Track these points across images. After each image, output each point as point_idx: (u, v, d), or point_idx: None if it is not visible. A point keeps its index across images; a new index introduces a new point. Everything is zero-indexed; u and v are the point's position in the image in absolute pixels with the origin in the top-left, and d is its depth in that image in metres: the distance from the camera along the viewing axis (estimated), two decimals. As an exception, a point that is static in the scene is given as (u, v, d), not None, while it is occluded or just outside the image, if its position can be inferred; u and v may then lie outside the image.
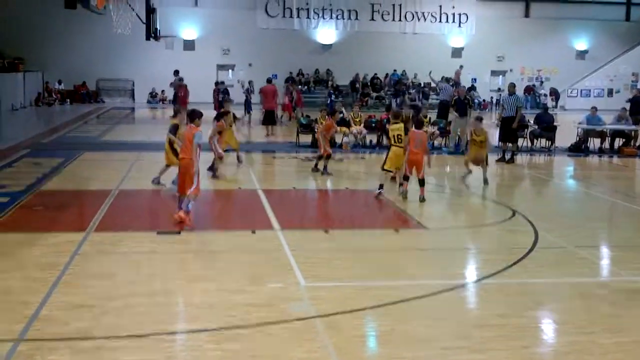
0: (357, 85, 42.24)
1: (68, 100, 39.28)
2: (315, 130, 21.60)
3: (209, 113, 31.13)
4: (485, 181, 14.71)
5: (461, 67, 29.85)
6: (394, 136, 13.40)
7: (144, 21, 29.78)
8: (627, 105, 25.17)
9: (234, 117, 16.89)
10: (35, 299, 7.20)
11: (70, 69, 39.50)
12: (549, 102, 42.17)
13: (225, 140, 16.00)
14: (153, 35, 30.75)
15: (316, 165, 16.03)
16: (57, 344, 6.17)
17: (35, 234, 9.94)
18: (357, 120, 21.91)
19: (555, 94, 44.47)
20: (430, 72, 28.27)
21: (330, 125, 16.14)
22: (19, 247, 9.19)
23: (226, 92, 30.01)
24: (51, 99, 38.19)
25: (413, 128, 13.53)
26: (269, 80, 27.89)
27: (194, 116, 10.80)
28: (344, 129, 21.27)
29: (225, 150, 15.76)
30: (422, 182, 12.90)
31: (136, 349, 6.11)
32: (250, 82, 32.43)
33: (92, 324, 6.61)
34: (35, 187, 13.70)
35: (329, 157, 15.83)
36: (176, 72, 29.53)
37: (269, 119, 25.60)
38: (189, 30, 41.75)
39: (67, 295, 7.39)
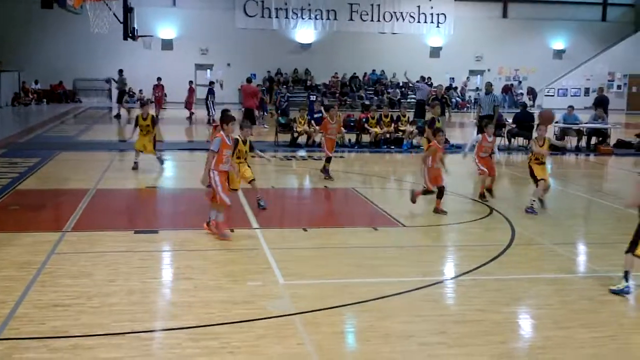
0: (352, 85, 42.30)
1: (45, 100, 38.94)
2: (295, 129, 21.65)
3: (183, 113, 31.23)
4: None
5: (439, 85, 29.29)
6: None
7: (122, 21, 29.55)
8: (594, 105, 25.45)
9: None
10: (11, 298, 7.14)
11: (47, 69, 39.18)
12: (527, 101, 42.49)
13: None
14: (131, 35, 30.46)
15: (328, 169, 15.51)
16: (33, 343, 6.12)
17: (11, 233, 9.86)
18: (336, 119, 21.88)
19: (532, 93, 44.83)
20: (405, 72, 28.38)
21: (326, 122, 15.68)
22: (-6, 247, 9.12)
23: (212, 92, 30.14)
24: (28, 99, 37.82)
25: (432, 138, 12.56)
26: (248, 80, 27.85)
27: (223, 120, 10.07)
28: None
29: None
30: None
31: (113, 347, 6.07)
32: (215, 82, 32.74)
33: (68, 323, 6.56)
34: (11, 187, 13.58)
35: (328, 159, 15.45)
36: (159, 79, 31.26)
37: (248, 118, 25.48)
38: (167, 30, 41.57)
39: (44, 294, 7.34)
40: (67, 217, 10.92)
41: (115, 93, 33.66)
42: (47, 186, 14.16)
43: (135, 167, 15.97)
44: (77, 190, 13.29)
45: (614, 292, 7.74)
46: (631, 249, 7.78)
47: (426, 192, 11.99)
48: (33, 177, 14.95)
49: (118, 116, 32.01)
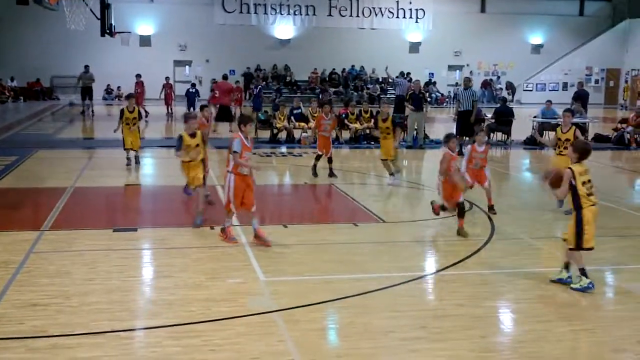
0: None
1: (22, 97, 38.55)
2: (275, 125, 21.61)
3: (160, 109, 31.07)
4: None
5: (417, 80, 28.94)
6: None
7: (99, 17, 29.33)
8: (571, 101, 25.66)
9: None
10: (-11, 298, 7.08)
11: (24, 66, 38.80)
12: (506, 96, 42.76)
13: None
14: (108, 31, 30.28)
15: (330, 170, 15.12)
16: (11, 343, 6.06)
17: (-12, 232, 9.76)
18: (316, 115, 21.89)
19: (511, 87, 45.11)
20: (386, 68, 28.41)
21: (319, 119, 15.42)
22: (-29, 247, 9.02)
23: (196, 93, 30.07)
24: (4, 96, 37.42)
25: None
26: (224, 77, 27.67)
27: (242, 121, 9.67)
28: (303, 124, 21.32)
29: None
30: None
31: (93, 346, 6.03)
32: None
33: (47, 322, 6.51)
34: (-12, 186, 13.44)
35: (318, 157, 15.17)
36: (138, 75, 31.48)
37: (224, 115, 25.29)
38: (145, 26, 41.32)
39: (22, 293, 7.27)
40: (46, 216, 10.83)
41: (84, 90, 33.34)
42: (25, 184, 14.03)
43: (129, 164, 15.99)
44: (55, 189, 13.18)
45: (577, 290, 7.72)
46: (578, 245, 7.77)
47: (444, 207, 10.56)
48: (10, 176, 14.80)
49: (88, 112, 31.74)
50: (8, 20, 37.04)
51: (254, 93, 31.08)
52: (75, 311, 6.84)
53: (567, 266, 7.93)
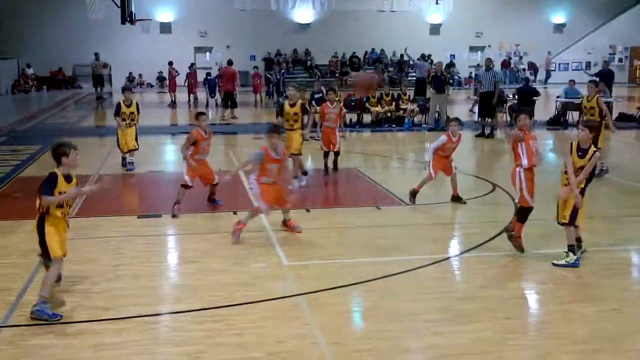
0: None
1: (45, 86, 38.86)
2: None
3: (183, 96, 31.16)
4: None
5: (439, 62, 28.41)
6: None
7: (119, 5, 29.46)
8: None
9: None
10: (16, 285, 7.18)
11: (46, 55, 39.04)
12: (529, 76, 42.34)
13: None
14: (129, 19, 30.43)
15: (335, 163, 13.71)
16: (39, 329, 6.14)
17: (15, 221, 9.87)
18: (337, 99, 21.84)
19: (533, 67, 44.64)
20: (405, 49, 28.21)
21: (323, 108, 13.66)
22: (-2, 235, 9.14)
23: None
24: (27, 85, 37.75)
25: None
26: (229, 62, 27.51)
27: (270, 133, 9.10)
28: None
29: None
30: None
31: (120, 331, 6.10)
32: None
33: (74, 308, 6.59)
34: (13, 175, 13.59)
35: (326, 154, 13.58)
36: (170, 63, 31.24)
37: (228, 101, 25.26)
38: (165, 13, 41.36)
39: (49, 280, 7.35)
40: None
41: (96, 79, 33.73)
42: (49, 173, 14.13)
43: (128, 168, 14.30)
44: (79, 177, 13.21)
45: (561, 266, 7.76)
46: (571, 221, 7.81)
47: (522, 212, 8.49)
48: (35, 165, 14.94)
49: (99, 98, 32.18)
50: (31, 11, 37.27)
51: (276, 78, 31.11)
52: (101, 297, 6.92)
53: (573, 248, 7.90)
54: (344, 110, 15.51)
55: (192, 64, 32.42)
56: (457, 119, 11.41)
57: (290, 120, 12.41)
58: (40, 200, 6.47)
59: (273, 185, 9.06)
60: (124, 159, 14.49)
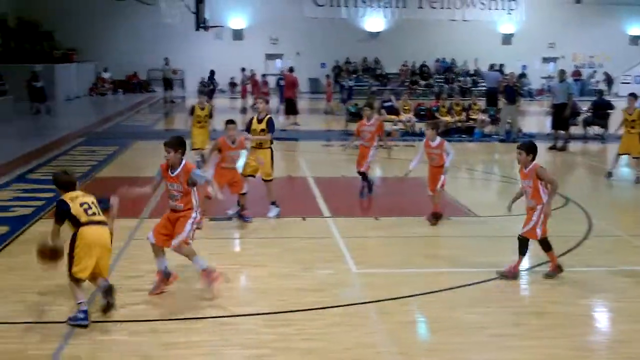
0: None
1: (120, 90, 39.91)
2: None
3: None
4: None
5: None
6: None
7: (194, 11, 30.05)
8: None
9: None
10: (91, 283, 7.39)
11: (122, 60, 40.04)
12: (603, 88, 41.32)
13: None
14: (202, 25, 31.00)
15: (363, 188, 12.46)
16: (114, 326, 6.34)
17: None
18: (407, 108, 21.88)
19: (609, 79, 43.58)
20: (475, 60, 27.89)
21: (360, 125, 12.49)
22: (76, 233, 9.43)
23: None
24: (104, 88, 38.84)
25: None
26: (290, 69, 27.64)
27: (227, 123, 9.89)
28: (393, 116, 21.25)
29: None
30: None
31: (191, 332, 6.25)
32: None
33: (147, 307, 6.78)
34: (90, 174, 14.02)
35: (362, 175, 12.32)
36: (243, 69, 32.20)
37: (289, 108, 25.39)
38: (237, 20, 41.96)
39: (124, 279, 7.58)
40: (144, 204, 11.18)
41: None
42: (124, 174, 14.53)
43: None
44: (153, 178, 13.54)
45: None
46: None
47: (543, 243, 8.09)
48: (111, 165, 15.40)
49: (168, 101, 33.32)
50: (107, 15, 38.31)
51: (346, 86, 31.22)
52: (173, 297, 7.10)
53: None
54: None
55: (250, 70, 33.07)
56: (428, 123, 11.29)
57: (258, 135, 10.66)
58: None
59: (230, 170, 10.04)
60: (202, 155, 14.51)
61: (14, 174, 13.78)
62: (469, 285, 7.61)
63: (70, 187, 6.73)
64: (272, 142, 10.77)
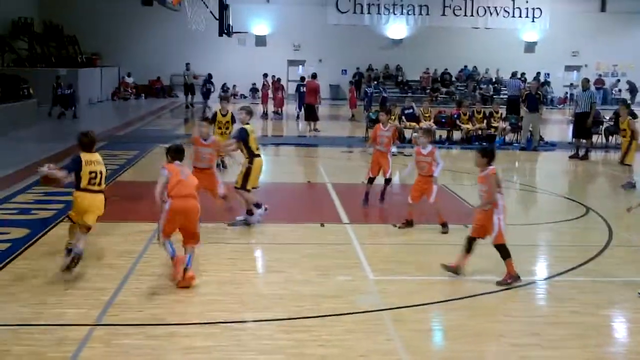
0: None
1: (143, 95, 40.18)
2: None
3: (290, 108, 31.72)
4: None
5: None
6: None
7: (217, 17, 30.21)
8: None
9: None
10: (111, 286, 7.45)
11: (145, 65, 40.34)
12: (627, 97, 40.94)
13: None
14: (226, 31, 31.16)
15: (382, 194, 12.21)
16: (131, 329, 6.37)
17: (111, 223, 10.16)
18: (427, 115, 21.82)
19: (632, 88, 43.18)
20: (497, 70, 27.78)
21: (376, 129, 12.31)
22: (95, 236, 9.41)
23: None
24: (127, 93, 39.13)
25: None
26: (313, 76, 27.65)
27: (200, 119, 10.36)
28: (413, 123, 21.19)
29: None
30: None
31: (207, 336, 6.25)
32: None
33: (165, 311, 6.80)
34: (111, 178, 14.08)
35: (370, 180, 12.16)
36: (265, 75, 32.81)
37: (309, 114, 25.43)
38: (260, 26, 42.13)
39: (142, 282, 7.61)
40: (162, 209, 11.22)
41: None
42: (145, 178, 14.58)
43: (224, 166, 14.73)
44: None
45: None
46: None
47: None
48: (132, 169, 15.49)
49: (189, 106, 33.89)
50: (132, 20, 38.63)
51: (368, 94, 31.20)
52: (190, 301, 7.12)
53: None
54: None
55: (273, 76, 33.27)
56: (421, 129, 11.19)
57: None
58: None
59: (203, 172, 10.11)
60: (218, 165, 14.75)
61: (36, 176, 13.87)
62: (488, 293, 7.55)
63: (88, 147, 7.94)
64: (248, 157, 10.41)
